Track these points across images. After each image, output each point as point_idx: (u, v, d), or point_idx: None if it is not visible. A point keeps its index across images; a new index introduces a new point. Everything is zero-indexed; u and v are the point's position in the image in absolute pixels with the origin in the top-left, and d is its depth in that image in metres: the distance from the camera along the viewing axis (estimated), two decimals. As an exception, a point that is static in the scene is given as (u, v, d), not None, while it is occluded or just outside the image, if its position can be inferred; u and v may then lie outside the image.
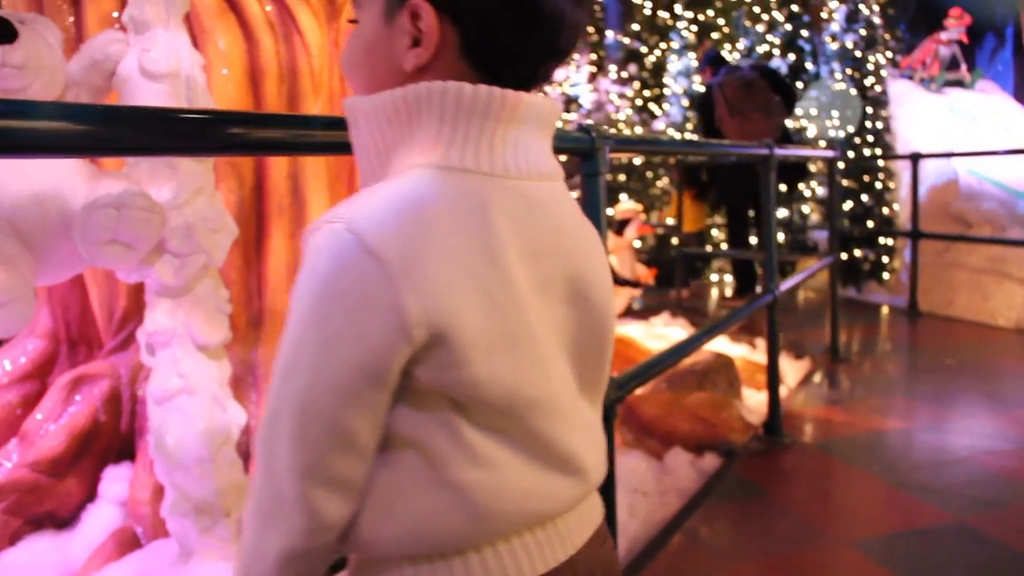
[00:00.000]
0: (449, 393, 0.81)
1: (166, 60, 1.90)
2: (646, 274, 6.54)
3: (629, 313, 6.36)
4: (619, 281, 5.89)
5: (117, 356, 3.12)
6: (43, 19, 1.91)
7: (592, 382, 0.97)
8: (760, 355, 5.13)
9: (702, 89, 8.81)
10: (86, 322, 3.31)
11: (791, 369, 5.05)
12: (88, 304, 3.27)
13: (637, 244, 6.98)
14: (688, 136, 8.73)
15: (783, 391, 4.40)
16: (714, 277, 8.86)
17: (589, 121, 8.73)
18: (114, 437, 2.96)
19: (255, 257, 3.00)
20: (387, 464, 0.84)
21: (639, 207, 6.59)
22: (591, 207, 1.74)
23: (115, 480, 2.79)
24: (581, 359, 0.94)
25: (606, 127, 8.75)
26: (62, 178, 1.84)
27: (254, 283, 3.02)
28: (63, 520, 2.76)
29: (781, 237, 8.37)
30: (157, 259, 1.86)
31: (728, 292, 8.31)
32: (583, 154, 1.70)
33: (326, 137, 1.20)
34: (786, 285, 4.10)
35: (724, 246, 8.50)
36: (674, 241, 8.10)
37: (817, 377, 5.05)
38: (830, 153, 5.50)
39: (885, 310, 7.46)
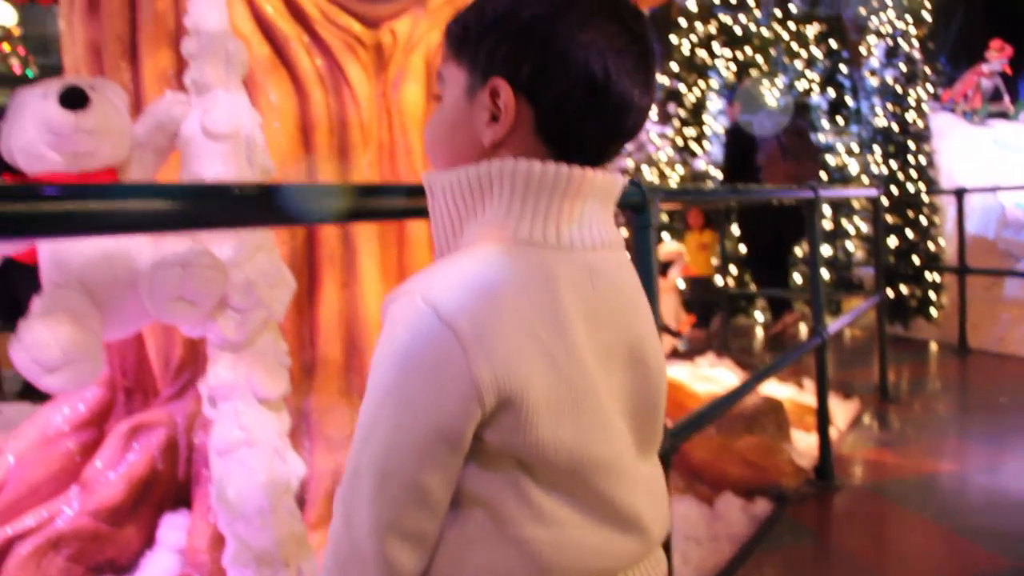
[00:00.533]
0: (516, 454, 0.86)
1: (227, 121, 1.97)
2: (685, 321, 6.52)
3: (674, 355, 6.33)
4: (660, 329, 5.88)
5: (173, 404, 3.18)
6: (111, 84, 1.99)
7: (649, 441, 1.01)
8: (808, 395, 5.08)
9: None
10: (143, 370, 3.38)
11: (840, 410, 4.99)
12: (145, 353, 3.34)
13: (681, 284, 6.97)
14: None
15: (833, 433, 4.35)
16: (758, 316, 8.79)
17: (630, 161, 8.76)
18: (171, 485, 3.01)
19: (307, 306, 3.05)
20: (457, 520, 0.88)
21: (682, 248, 6.59)
22: (642, 258, 1.77)
23: (173, 528, 2.84)
24: (639, 420, 0.98)
25: (647, 166, 8.79)
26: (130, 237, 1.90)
27: (306, 332, 3.08)
28: (123, 568, 2.81)
29: (825, 274, 8.30)
30: (220, 314, 1.91)
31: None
32: (635, 207, 1.73)
33: (407, 205, 1.25)
34: (834, 327, 4.07)
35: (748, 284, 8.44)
36: (718, 281, 8.06)
37: (867, 418, 4.98)
38: (873, 192, 5.47)
39: (934, 347, 7.35)
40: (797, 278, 8.33)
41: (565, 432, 0.86)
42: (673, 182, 8.79)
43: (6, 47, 9.97)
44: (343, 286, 3.05)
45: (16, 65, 10.14)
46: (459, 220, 0.93)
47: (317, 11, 3.09)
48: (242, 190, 1.07)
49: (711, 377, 5.45)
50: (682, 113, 9.20)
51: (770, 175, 6.98)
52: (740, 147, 7.35)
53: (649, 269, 1.78)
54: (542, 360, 0.84)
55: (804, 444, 4.25)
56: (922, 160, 8.05)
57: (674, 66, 9.27)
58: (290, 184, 1.14)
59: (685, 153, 9.11)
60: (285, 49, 3.07)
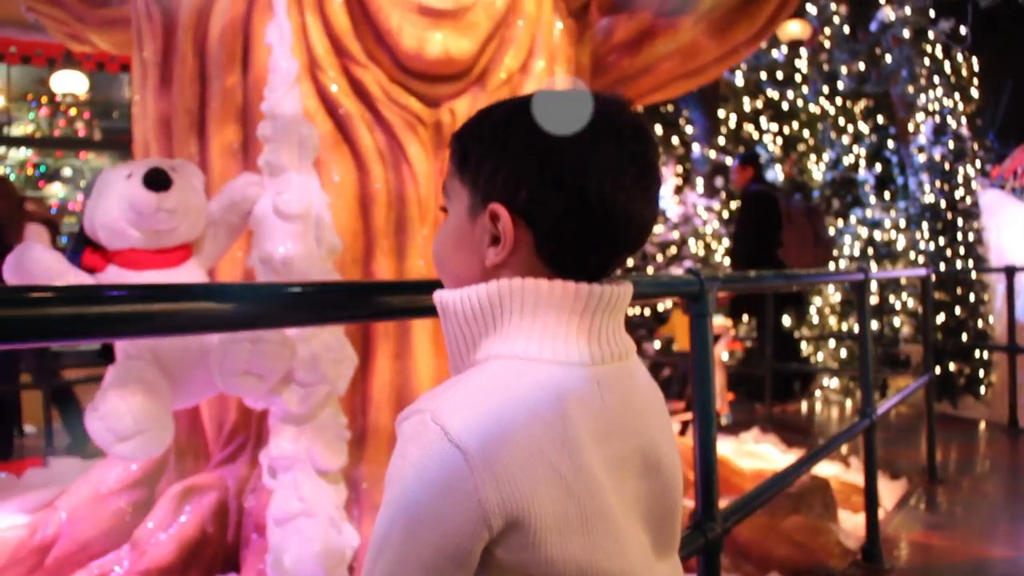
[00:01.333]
0: (526, 571, 0.87)
1: (298, 202, 2.06)
2: (726, 399, 6.49)
3: (718, 430, 6.28)
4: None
5: (225, 468, 3.23)
6: (190, 165, 2.10)
7: (667, 543, 1.02)
8: (855, 474, 5.01)
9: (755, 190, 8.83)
10: (195, 432, 3.45)
11: (887, 490, 4.91)
12: (198, 415, 3.41)
13: (725, 356, 6.95)
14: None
15: (880, 514, 4.28)
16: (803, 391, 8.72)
17: (675, 233, 8.80)
18: (221, 549, 3.05)
19: (360, 377, 3.11)
20: None
21: (728, 322, 6.59)
22: (700, 346, 1.80)
23: (223, 592, 2.87)
24: (656, 524, 0.99)
25: (693, 239, 8.83)
26: (201, 311, 1.99)
27: (358, 402, 3.14)
28: (172, 630, 2.84)
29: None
30: (284, 388, 1.98)
31: (818, 407, 8.16)
32: (692, 296, 1.77)
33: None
34: (883, 408, 4.04)
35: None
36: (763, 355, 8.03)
37: (915, 499, 4.89)
38: (923, 271, 5.45)
39: (983, 426, 7.20)
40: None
41: (575, 548, 0.87)
42: (719, 255, 8.82)
43: (73, 111, 10.36)
44: (396, 357, 3.11)
45: (81, 128, 10.52)
46: (471, 338, 0.95)
47: (379, 90, 3.21)
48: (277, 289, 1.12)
49: (756, 453, 5.40)
50: (730, 187, 9.28)
51: (796, 258, 6.93)
52: (765, 220, 7.28)
53: (706, 357, 1.81)
54: (551, 480, 0.86)
55: (851, 524, 4.18)
56: (971, 237, 8.01)
57: (721, 140, 9.37)
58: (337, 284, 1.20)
59: (731, 226, 9.16)
60: (348, 126, 3.19)
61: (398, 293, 1.25)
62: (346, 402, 3.11)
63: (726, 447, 5.42)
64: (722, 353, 6.36)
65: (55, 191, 10.35)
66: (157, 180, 1.90)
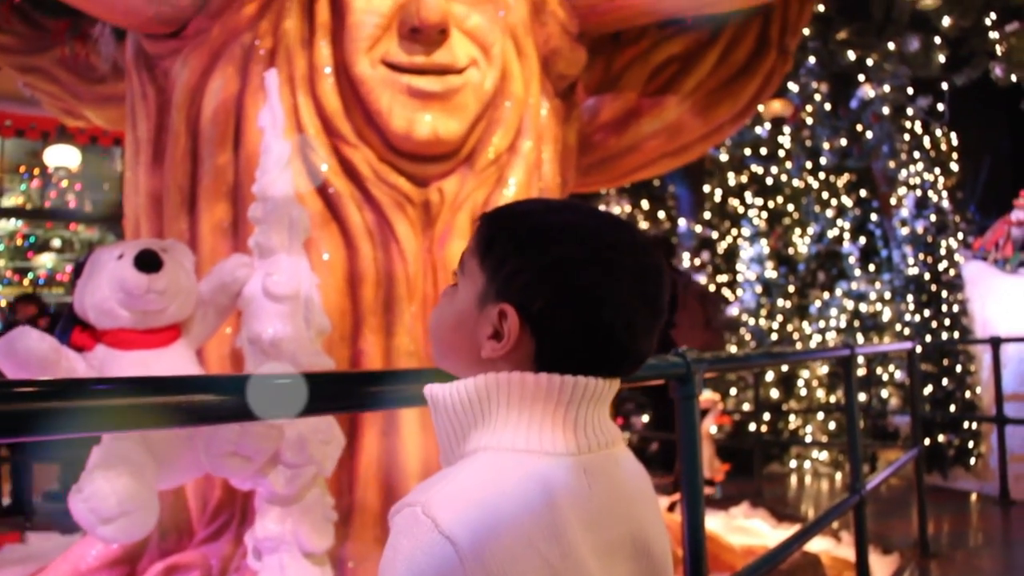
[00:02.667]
0: None
1: (288, 284, 2.09)
2: (720, 469, 6.47)
3: (708, 504, 6.23)
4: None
5: (208, 546, 3.19)
6: (181, 246, 2.12)
7: None
8: (846, 549, 4.97)
9: (774, 275, 8.92)
10: (179, 509, 3.41)
11: (879, 565, 4.86)
12: (182, 491, 3.37)
13: (714, 430, 6.93)
14: (762, 322, 8.80)
15: (873, 591, 4.24)
16: (792, 464, 8.67)
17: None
18: (203, 631, 2.99)
19: (347, 454, 3.09)
20: None
21: (716, 396, 6.60)
22: (687, 428, 1.82)
23: (204, 676, 2.81)
24: None
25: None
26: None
27: (345, 479, 3.11)
28: None
29: (860, 423, 8.21)
30: (271, 469, 1.97)
31: (808, 479, 8.11)
32: (679, 379, 1.79)
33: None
34: (873, 483, 4.03)
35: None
36: (751, 428, 8.02)
37: (908, 574, 4.85)
38: (908, 345, 5.49)
39: (974, 498, 7.17)
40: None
41: None
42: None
43: (64, 183, 10.44)
44: (383, 435, 3.11)
45: (72, 200, 10.59)
46: (461, 430, 0.97)
47: (369, 169, 3.26)
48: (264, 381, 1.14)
49: (747, 528, 5.36)
50: (716, 260, 9.37)
51: (687, 339, 6.91)
52: None
53: (693, 439, 1.82)
54: (540, 570, 0.87)
55: (843, 603, 4.14)
56: (955, 308, 8.08)
57: (707, 214, 9.49)
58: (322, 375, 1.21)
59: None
60: (337, 205, 3.24)
61: (386, 383, 1.26)
62: (333, 479, 3.08)
63: (716, 522, 5.37)
64: (710, 427, 6.35)
65: (44, 262, 10.37)
66: (148, 261, 1.92)
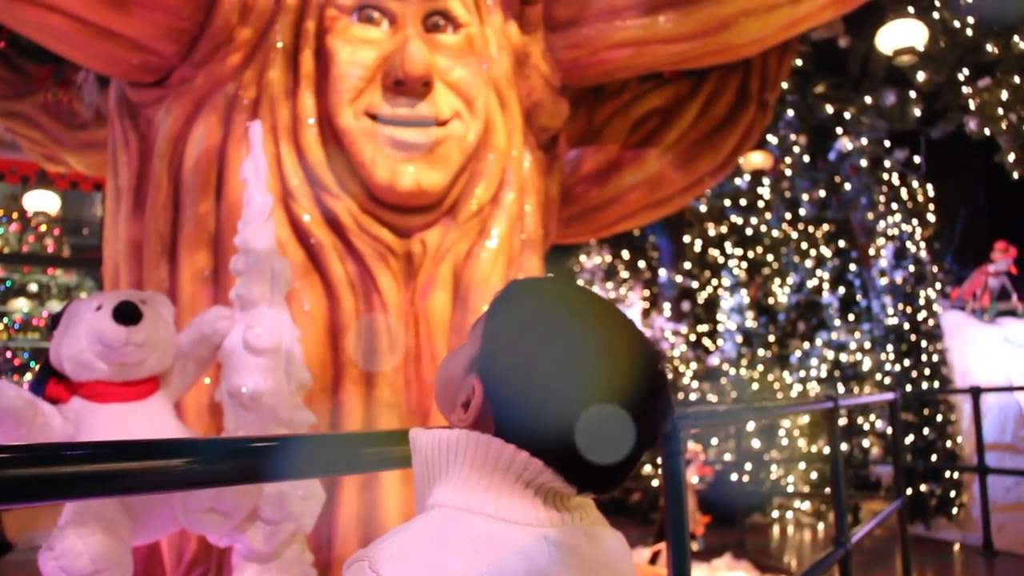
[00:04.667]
0: None
1: (269, 336, 2.07)
2: (700, 521, 6.42)
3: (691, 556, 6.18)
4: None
5: (183, 602, 3.12)
6: (160, 297, 2.10)
7: None
8: (830, 603, 4.92)
9: (754, 324, 8.95)
10: (153, 562, 3.34)
11: (864, 619, 4.82)
12: (157, 544, 3.30)
13: (695, 480, 6.90)
14: (743, 371, 8.82)
15: (858, 646, 4.19)
16: (775, 514, 8.63)
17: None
18: None
19: (326, 509, 3.04)
20: None
21: (698, 447, 6.57)
22: (673, 485, 1.80)
23: None
24: None
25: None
26: (165, 446, 1.96)
27: (324, 533, 3.06)
28: None
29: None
30: (249, 526, 1.93)
31: (791, 529, 8.06)
32: (664, 435, 1.78)
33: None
34: (857, 536, 4.01)
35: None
36: (733, 478, 7.98)
37: (892, 628, 4.81)
38: (890, 396, 5.51)
39: (957, 548, 7.15)
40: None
41: None
42: (687, 378, 8.87)
43: (43, 228, 10.38)
44: (363, 488, 3.06)
45: (50, 244, 10.53)
46: (429, 481, 0.97)
47: (351, 220, 3.26)
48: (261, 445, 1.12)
49: (729, 581, 5.30)
50: (697, 311, 9.40)
51: None
52: None
53: (679, 494, 1.80)
54: None
55: (828, 658, 4.09)
56: (935, 358, 8.13)
57: (687, 264, 9.55)
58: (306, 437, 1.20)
59: (698, 349, 9.23)
60: (319, 255, 3.23)
61: (369, 446, 1.25)
62: (311, 534, 3.04)
63: (699, 575, 5.32)
64: (692, 477, 6.32)
65: (20, 306, 10.27)
66: (127, 313, 1.90)
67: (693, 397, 8.52)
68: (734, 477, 7.99)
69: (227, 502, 1.82)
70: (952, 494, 7.68)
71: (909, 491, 7.48)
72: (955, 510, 7.64)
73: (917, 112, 8.96)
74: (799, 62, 8.23)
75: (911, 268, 8.37)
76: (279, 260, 2.24)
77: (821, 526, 7.97)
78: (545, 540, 0.91)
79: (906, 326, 8.23)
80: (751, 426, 8.39)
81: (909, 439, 7.79)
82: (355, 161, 3.23)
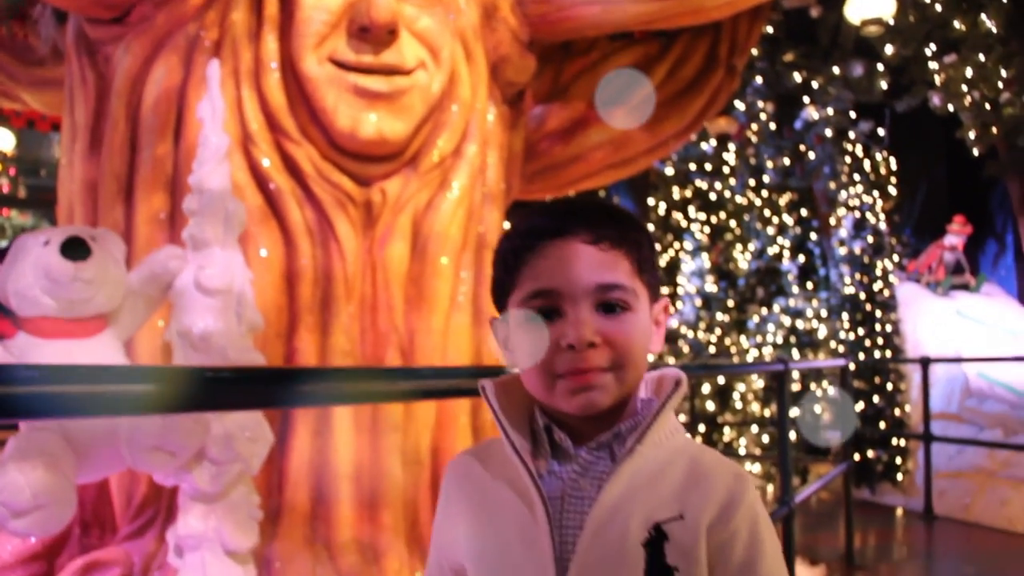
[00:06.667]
0: None
1: (221, 277, 2.05)
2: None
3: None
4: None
5: (132, 543, 3.11)
6: (111, 235, 2.07)
7: None
8: (773, 562, 5.04)
9: (714, 289, 9.04)
10: (102, 504, 3.33)
11: (805, 577, 4.96)
12: (106, 486, 3.29)
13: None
14: (701, 335, 8.91)
15: (798, 603, 4.31)
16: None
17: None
18: (122, 629, 2.92)
19: (278, 453, 3.05)
20: None
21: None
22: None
23: (120, 677, 2.74)
24: None
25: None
26: (113, 383, 1.94)
27: (275, 478, 3.07)
28: None
29: (793, 436, 8.36)
30: (196, 465, 1.94)
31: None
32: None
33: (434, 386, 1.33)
34: (801, 496, 4.11)
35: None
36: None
37: (833, 586, 4.95)
38: (841, 362, 5.62)
39: (900, 512, 7.35)
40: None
41: None
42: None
43: (-1, 167, 10.18)
44: (315, 435, 3.07)
45: (5, 185, 10.32)
46: None
47: (311, 166, 3.23)
48: (216, 374, 1.12)
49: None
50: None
51: None
52: None
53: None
54: None
55: (768, 614, 4.19)
56: (888, 328, 8.28)
57: (650, 227, 9.59)
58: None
59: (662, 311, 9.30)
60: (278, 201, 3.19)
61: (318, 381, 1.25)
62: (262, 478, 3.04)
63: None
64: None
65: (-26, 247, 10.08)
66: (75, 248, 1.88)
67: (650, 359, 8.56)
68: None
69: (173, 441, 1.82)
70: (898, 461, 7.88)
71: (857, 457, 7.66)
72: (900, 476, 7.84)
73: (884, 85, 9.03)
74: (770, 29, 8.25)
75: (870, 239, 8.48)
76: (233, 201, 2.22)
77: (771, 488, 8.14)
78: None
79: (862, 296, 8.36)
80: (706, 388, 8.50)
81: (859, 406, 7.95)
82: (317, 107, 3.19)
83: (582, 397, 0.98)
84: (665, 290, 9.46)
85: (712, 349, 8.85)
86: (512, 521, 0.99)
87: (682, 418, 8.47)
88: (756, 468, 8.58)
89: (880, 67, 8.97)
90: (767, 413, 8.44)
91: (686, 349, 8.92)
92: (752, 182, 9.52)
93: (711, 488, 0.96)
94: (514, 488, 1.00)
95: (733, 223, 9.44)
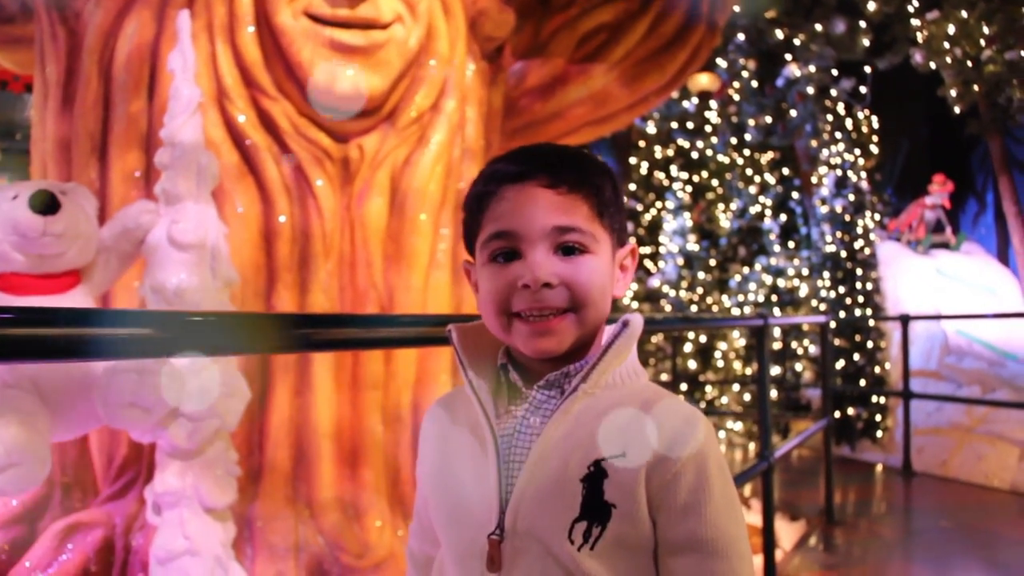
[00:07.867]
0: None
1: (194, 232, 2.02)
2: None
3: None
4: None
5: (113, 504, 3.11)
6: (82, 189, 2.04)
7: None
8: (754, 516, 5.10)
9: (696, 248, 9.05)
10: (83, 466, 3.32)
11: (785, 531, 5.01)
12: (87, 448, 3.28)
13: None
14: (683, 294, 8.93)
15: (778, 555, 4.36)
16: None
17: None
18: (104, 589, 2.92)
19: (258, 411, 3.05)
20: None
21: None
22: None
23: (103, 635, 2.75)
24: None
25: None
26: (86, 340, 1.92)
27: (255, 437, 3.06)
28: (46, 677, 2.70)
29: (774, 394, 8.42)
30: (172, 422, 1.92)
31: (722, 448, 8.29)
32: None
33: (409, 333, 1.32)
34: (781, 451, 4.13)
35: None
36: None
37: (813, 540, 5.00)
38: (822, 318, 5.63)
39: (879, 469, 7.43)
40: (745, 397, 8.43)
41: None
42: (627, 299, 8.96)
43: (-29, 130, 10.00)
44: (296, 394, 3.06)
45: (-21, 147, 10.16)
46: None
47: (288, 123, 3.18)
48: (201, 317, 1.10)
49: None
50: (640, 232, 9.45)
51: None
52: None
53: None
54: None
55: (749, 567, 4.24)
56: (869, 286, 8.32)
57: (632, 186, 9.56)
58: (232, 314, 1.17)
59: (640, 271, 9.31)
60: (254, 158, 3.16)
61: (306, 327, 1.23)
62: (242, 437, 3.03)
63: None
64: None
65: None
66: (44, 203, 1.84)
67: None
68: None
69: (148, 397, 1.80)
70: (877, 418, 7.96)
71: (837, 414, 7.73)
72: (879, 433, 7.92)
73: (866, 42, 8.99)
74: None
75: (851, 197, 8.49)
76: (205, 155, 2.18)
77: (752, 446, 8.20)
78: None
79: (843, 254, 8.39)
80: (688, 347, 8.54)
81: (840, 364, 8.01)
82: (292, 62, 3.14)
83: (540, 340, 1.00)
84: (647, 249, 9.47)
85: (694, 308, 8.88)
86: (468, 460, 1.03)
87: (664, 376, 8.53)
88: (738, 426, 8.65)
89: (862, 24, 8.93)
90: (748, 372, 8.49)
91: (668, 308, 8.94)
92: (734, 140, 9.50)
93: (658, 429, 0.97)
94: (471, 429, 1.04)
95: (715, 182, 9.42)
